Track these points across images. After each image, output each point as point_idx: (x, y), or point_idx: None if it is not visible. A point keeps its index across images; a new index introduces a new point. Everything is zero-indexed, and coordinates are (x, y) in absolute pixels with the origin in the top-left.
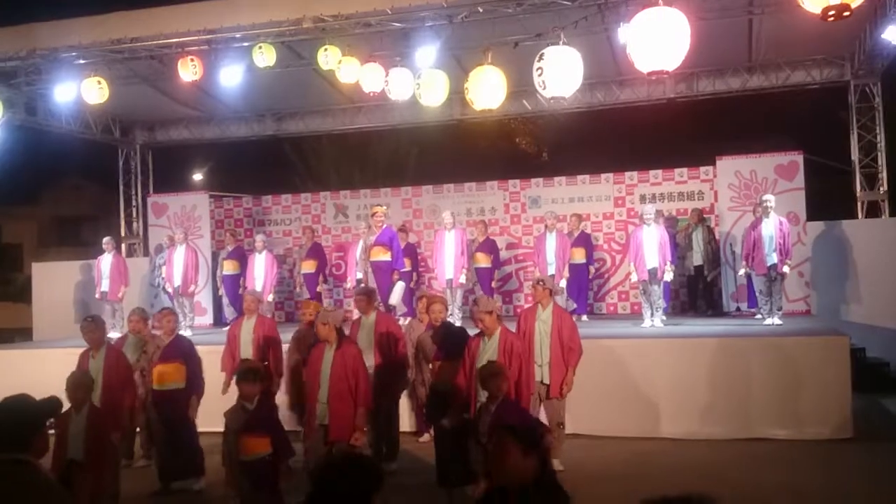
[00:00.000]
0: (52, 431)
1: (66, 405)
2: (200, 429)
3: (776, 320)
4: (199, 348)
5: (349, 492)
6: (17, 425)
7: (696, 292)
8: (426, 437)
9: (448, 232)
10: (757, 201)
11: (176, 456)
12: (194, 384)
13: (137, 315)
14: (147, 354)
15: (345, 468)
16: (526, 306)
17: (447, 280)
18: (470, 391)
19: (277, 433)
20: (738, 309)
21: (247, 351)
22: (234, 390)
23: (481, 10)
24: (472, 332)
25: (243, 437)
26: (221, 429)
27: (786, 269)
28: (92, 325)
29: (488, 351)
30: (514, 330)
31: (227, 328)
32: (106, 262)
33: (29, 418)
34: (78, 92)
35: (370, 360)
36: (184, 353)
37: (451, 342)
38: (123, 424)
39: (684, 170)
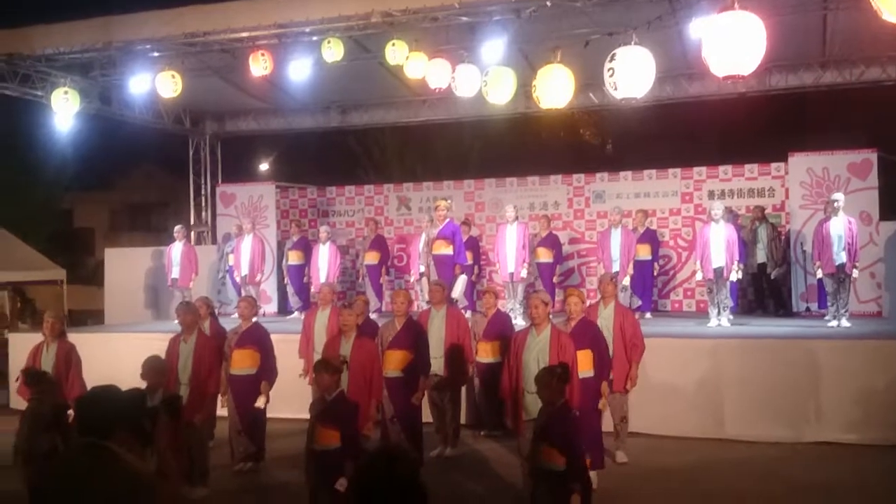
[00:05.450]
0: None
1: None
2: (271, 415)
3: (844, 322)
4: None
5: (389, 485)
6: (101, 415)
7: (762, 291)
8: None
9: (510, 226)
10: (827, 199)
11: (243, 439)
12: (265, 371)
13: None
14: None
15: (384, 462)
16: (588, 303)
17: (508, 274)
18: (515, 388)
19: (348, 430)
20: (807, 309)
21: (320, 340)
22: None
23: (549, 5)
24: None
25: (317, 426)
26: (291, 416)
27: (854, 272)
28: (184, 308)
29: (536, 346)
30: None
31: (290, 316)
32: (177, 250)
33: (113, 409)
34: (152, 84)
35: (439, 352)
36: (258, 340)
37: None
38: (207, 409)
39: (755, 166)
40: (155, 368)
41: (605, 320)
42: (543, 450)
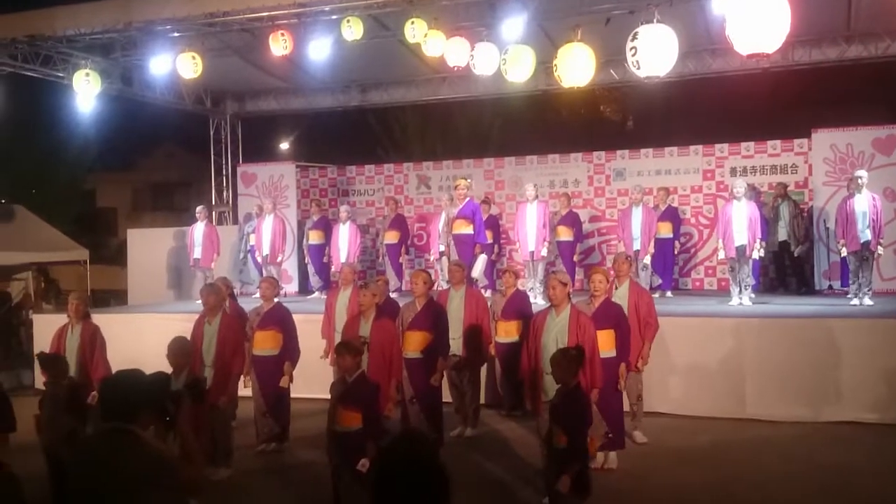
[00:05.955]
0: None
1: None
2: (293, 395)
3: (866, 300)
4: None
5: (410, 466)
6: (124, 399)
7: (784, 269)
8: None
9: (530, 204)
10: (850, 176)
11: (268, 419)
12: (288, 351)
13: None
14: None
15: (405, 444)
16: None
17: (529, 253)
18: (534, 369)
19: (369, 411)
20: (830, 287)
21: (342, 320)
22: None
23: None
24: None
25: (339, 407)
26: (313, 395)
27: (879, 249)
28: (208, 290)
29: (556, 328)
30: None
31: (311, 296)
32: (198, 230)
33: (137, 394)
34: (172, 65)
35: (458, 333)
36: (280, 320)
37: None
38: (231, 390)
39: (777, 142)
40: (181, 350)
41: (620, 299)
42: (554, 430)
